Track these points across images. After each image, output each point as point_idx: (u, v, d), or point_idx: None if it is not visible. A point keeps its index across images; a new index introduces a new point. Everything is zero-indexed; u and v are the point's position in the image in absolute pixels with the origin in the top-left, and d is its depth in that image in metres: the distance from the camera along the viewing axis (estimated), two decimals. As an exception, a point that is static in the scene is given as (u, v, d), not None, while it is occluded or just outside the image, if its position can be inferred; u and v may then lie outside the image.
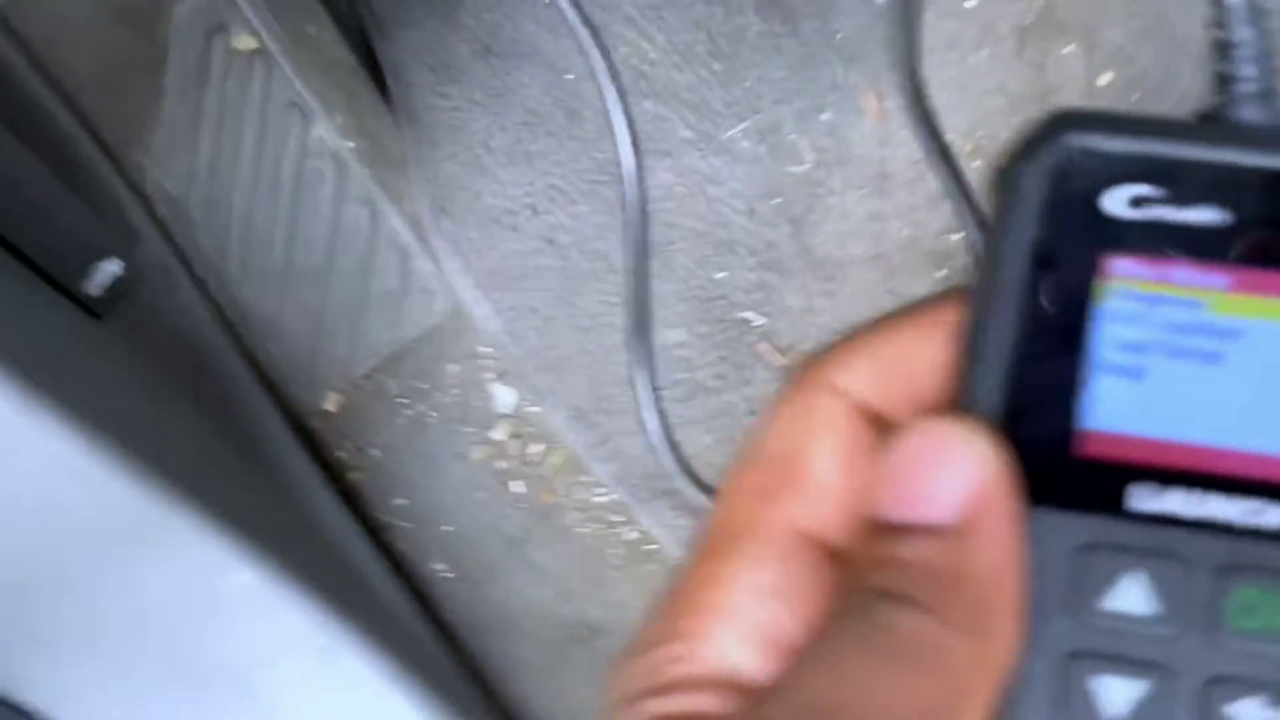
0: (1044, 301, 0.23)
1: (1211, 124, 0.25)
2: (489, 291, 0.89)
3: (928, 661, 0.21)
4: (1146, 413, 0.23)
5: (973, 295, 0.24)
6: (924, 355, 0.24)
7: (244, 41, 0.87)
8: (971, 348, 0.24)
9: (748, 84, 0.94)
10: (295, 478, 0.80)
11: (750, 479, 0.24)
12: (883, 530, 0.22)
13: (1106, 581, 0.22)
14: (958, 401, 0.24)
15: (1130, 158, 0.23)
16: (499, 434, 0.91)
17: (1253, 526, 0.22)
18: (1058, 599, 0.23)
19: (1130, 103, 0.89)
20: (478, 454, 0.91)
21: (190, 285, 0.84)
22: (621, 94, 0.40)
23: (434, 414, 0.91)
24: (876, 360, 0.24)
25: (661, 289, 0.89)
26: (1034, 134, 0.24)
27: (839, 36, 0.92)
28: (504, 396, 0.91)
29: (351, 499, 0.89)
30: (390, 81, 0.93)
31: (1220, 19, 0.25)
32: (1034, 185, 0.24)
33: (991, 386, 0.23)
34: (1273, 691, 0.22)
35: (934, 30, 0.90)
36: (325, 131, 0.88)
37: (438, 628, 0.84)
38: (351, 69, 0.90)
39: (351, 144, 0.88)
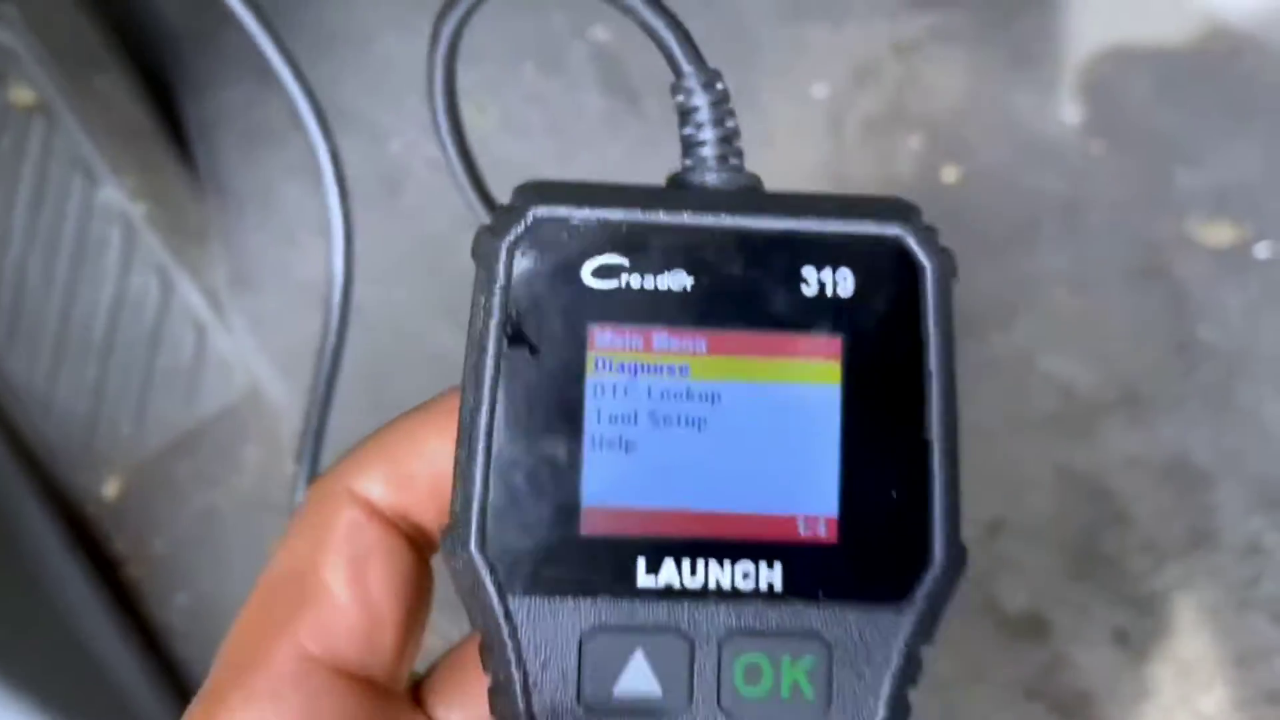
0: (528, 378, 0.23)
1: (672, 190, 0.25)
2: (289, 370, 0.82)
3: None
4: (641, 484, 0.23)
5: (463, 382, 0.23)
6: (439, 448, 0.24)
7: (22, 94, 0.79)
8: (462, 437, 0.23)
9: (584, 160, 0.91)
10: (53, 576, 0.72)
11: (259, 604, 0.24)
12: None
13: (617, 666, 0.23)
14: (452, 495, 0.23)
15: (595, 227, 0.24)
16: (298, 526, 0.84)
17: (749, 589, 0.23)
18: (574, 690, 0.23)
19: (976, 198, 0.89)
20: (275, 548, 0.84)
21: (-57, 356, 0.75)
22: (343, 191, 0.36)
23: (227, 502, 0.84)
24: (391, 461, 0.24)
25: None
26: (502, 207, 0.24)
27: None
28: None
29: (126, 597, 0.80)
30: (195, 144, 0.86)
31: (680, 86, 0.25)
32: (505, 260, 0.23)
33: (480, 476, 0.23)
34: None
35: (780, 117, 0.90)
36: (113, 193, 0.81)
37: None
38: (147, 128, 0.83)
39: (143, 208, 0.82)
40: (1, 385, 0.79)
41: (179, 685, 0.79)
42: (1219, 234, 0.88)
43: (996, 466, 0.84)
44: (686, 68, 0.25)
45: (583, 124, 0.91)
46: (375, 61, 0.89)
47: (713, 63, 0.27)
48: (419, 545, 0.25)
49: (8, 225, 0.79)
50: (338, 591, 0.24)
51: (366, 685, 0.25)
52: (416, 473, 0.24)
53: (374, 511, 0.25)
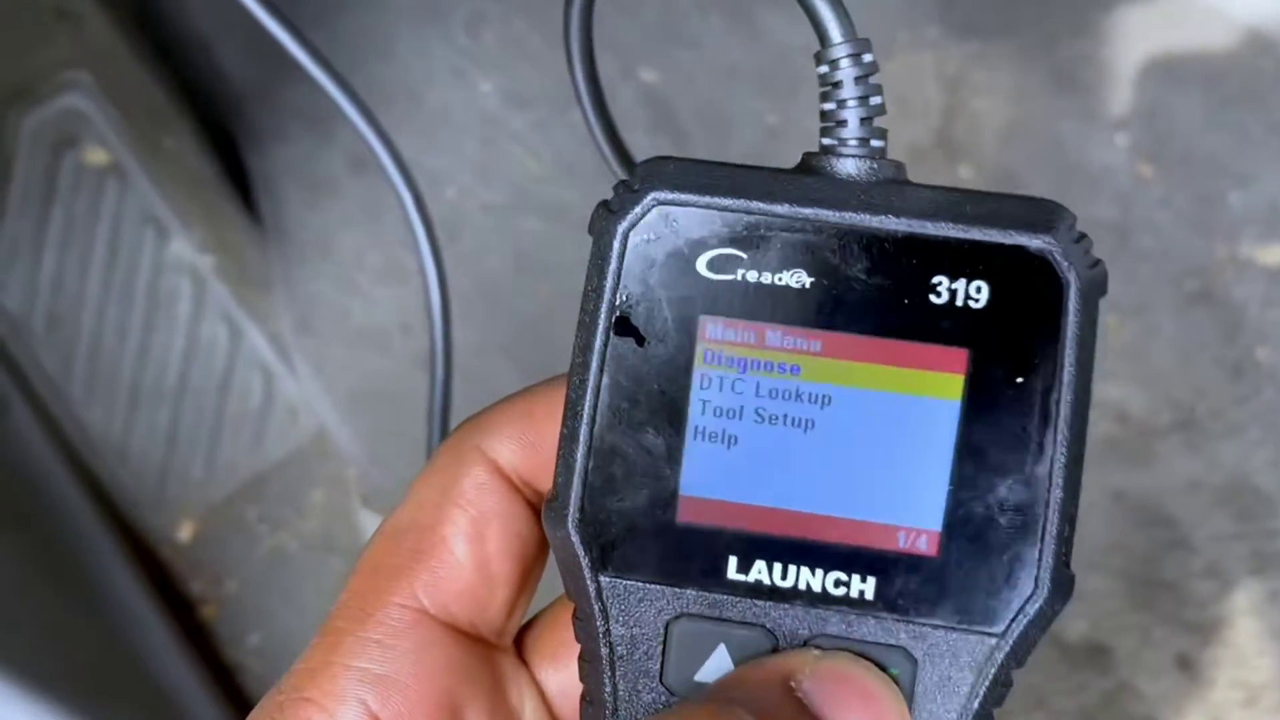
0: (634, 365, 0.23)
1: (802, 177, 0.23)
2: (352, 414, 0.85)
3: None
4: (741, 479, 0.23)
5: (572, 359, 0.23)
6: None
7: (96, 155, 0.83)
8: (566, 415, 0.23)
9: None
10: (132, 619, 0.74)
11: (382, 550, 0.25)
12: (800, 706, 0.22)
13: (700, 654, 0.23)
14: (555, 469, 0.24)
15: (715, 218, 0.23)
16: (364, 565, 0.86)
17: (840, 595, 0.23)
18: (658, 670, 0.23)
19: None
20: (342, 587, 0.86)
21: (26, 410, 0.78)
22: (433, 241, 0.38)
23: (295, 543, 0.86)
24: (523, 425, 0.25)
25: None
26: (622, 186, 0.23)
27: (729, 156, 0.92)
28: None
29: (202, 637, 0.83)
30: (259, 196, 0.89)
31: (825, 56, 0.24)
32: (620, 243, 0.23)
33: (582, 458, 0.23)
34: None
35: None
36: (183, 247, 0.84)
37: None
38: (213, 183, 0.86)
39: (211, 260, 0.85)
40: (80, 434, 0.83)
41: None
42: (1273, 254, 0.88)
43: (1054, 493, 0.84)
44: (834, 33, 0.23)
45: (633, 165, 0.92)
46: (429, 112, 0.91)
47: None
48: (538, 511, 0.26)
49: (85, 281, 0.83)
50: (456, 550, 0.25)
51: (473, 639, 0.26)
52: (546, 439, 0.25)
53: (500, 473, 0.25)
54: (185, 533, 0.85)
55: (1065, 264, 0.23)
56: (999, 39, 0.94)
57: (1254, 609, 0.82)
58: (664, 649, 0.23)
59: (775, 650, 0.23)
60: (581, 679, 0.24)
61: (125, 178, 0.84)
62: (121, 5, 0.85)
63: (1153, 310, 0.88)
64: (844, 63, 0.23)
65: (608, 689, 0.24)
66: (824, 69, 0.24)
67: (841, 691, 0.22)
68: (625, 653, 0.23)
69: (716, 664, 0.23)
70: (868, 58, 0.24)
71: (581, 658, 0.24)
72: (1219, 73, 0.92)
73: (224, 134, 0.90)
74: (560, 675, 0.27)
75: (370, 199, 0.89)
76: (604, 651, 0.24)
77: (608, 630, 0.23)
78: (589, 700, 0.24)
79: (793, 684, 0.22)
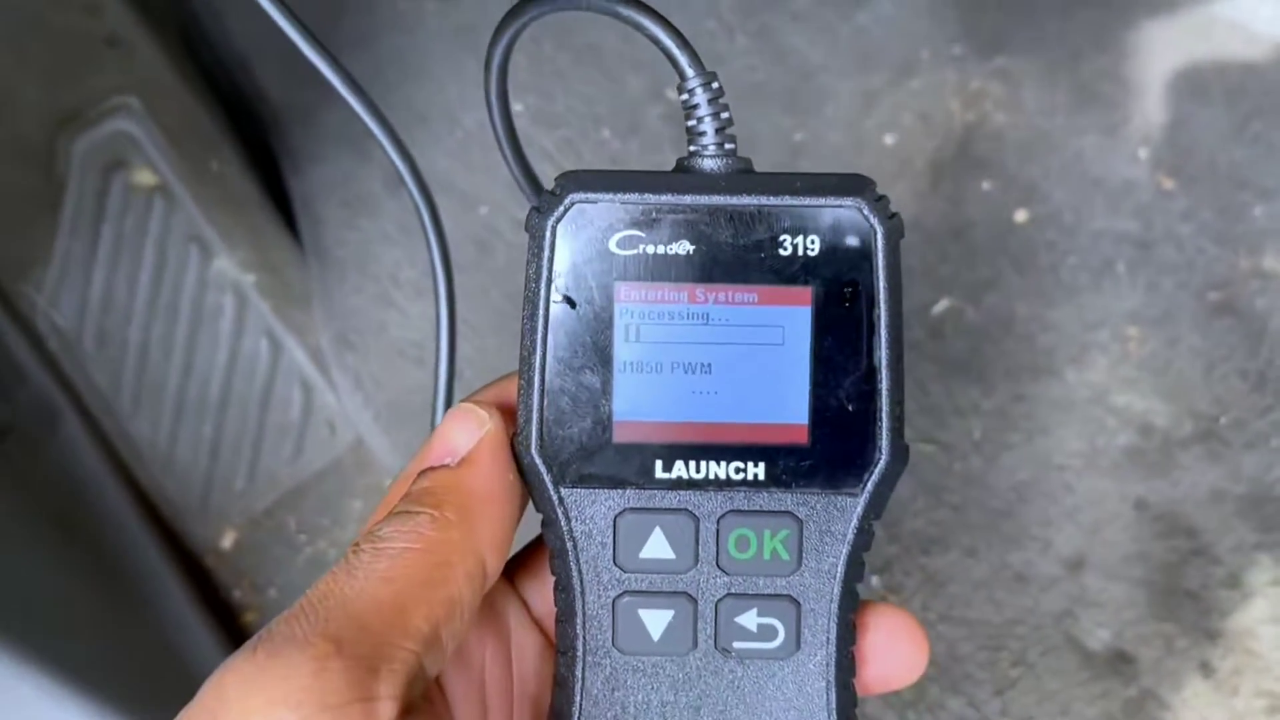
0: (571, 325, 0.31)
1: (678, 174, 0.31)
2: (390, 426, 0.87)
3: (421, 546, 0.29)
4: (659, 402, 0.31)
5: (521, 327, 0.31)
6: None
7: (144, 177, 0.86)
8: (522, 369, 0.31)
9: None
10: (178, 625, 0.76)
11: (400, 488, 0.31)
12: (419, 474, 0.30)
13: (641, 537, 0.31)
14: (517, 411, 0.31)
15: (618, 209, 0.30)
16: (400, 573, 0.88)
17: (740, 480, 0.31)
18: (611, 555, 0.31)
19: (1048, 238, 0.90)
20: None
21: (77, 422, 0.81)
22: (444, 253, 0.40)
23: (335, 551, 0.88)
24: (500, 396, 0.32)
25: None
26: (548, 193, 0.31)
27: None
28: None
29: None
30: (299, 215, 0.92)
31: (684, 86, 0.31)
32: (550, 235, 0.30)
33: (537, 400, 0.31)
34: (764, 602, 0.31)
35: (851, 164, 0.92)
36: (226, 265, 0.87)
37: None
38: (255, 203, 0.89)
39: (253, 277, 0.87)
40: (128, 446, 0.85)
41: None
42: (1296, 266, 0.88)
43: (1075, 503, 0.85)
44: (689, 70, 0.31)
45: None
46: (462, 133, 0.94)
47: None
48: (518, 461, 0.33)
49: (132, 298, 0.86)
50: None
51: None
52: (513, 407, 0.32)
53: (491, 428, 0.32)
54: (228, 541, 0.88)
55: (872, 217, 0.30)
56: (1022, 55, 0.95)
57: (1276, 618, 0.82)
58: (614, 538, 0.31)
59: (698, 528, 0.31)
60: (553, 572, 0.32)
61: (172, 198, 0.86)
62: (169, 33, 0.88)
63: (1176, 322, 0.88)
64: (699, 91, 0.31)
65: (574, 574, 0.31)
66: (684, 96, 0.31)
67: None
68: (585, 544, 0.31)
69: (655, 542, 0.31)
70: (716, 85, 0.31)
71: (551, 555, 0.32)
72: (1242, 87, 0.92)
73: (265, 154, 0.93)
74: (541, 592, 0.34)
75: (407, 216, 0.91)
76: (569, 546, 0.31)
77: (570, 529, 0.31)
78: (560, 588, 0.32)
79: None
